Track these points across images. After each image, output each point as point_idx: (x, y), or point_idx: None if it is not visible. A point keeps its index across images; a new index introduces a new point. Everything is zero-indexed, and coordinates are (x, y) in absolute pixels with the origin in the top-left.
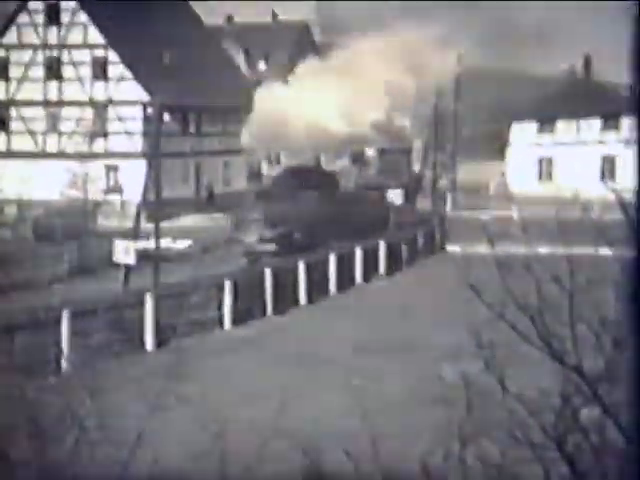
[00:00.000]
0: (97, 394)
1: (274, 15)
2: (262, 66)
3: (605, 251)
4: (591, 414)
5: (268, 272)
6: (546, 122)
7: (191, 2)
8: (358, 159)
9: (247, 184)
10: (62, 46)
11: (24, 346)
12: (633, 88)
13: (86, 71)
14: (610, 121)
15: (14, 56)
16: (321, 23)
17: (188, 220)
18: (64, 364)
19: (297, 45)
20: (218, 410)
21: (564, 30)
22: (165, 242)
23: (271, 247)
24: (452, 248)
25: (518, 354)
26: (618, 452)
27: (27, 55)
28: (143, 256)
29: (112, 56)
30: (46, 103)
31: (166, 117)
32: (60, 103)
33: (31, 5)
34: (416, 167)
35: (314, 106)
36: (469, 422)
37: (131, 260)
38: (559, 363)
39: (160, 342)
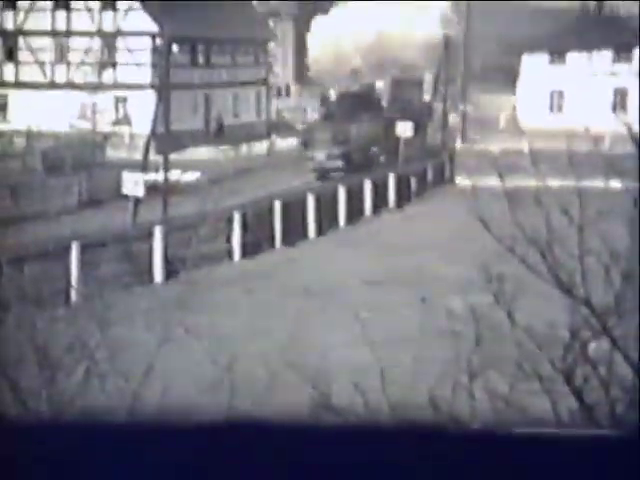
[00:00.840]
0: (106, 326)
1: None
2: None
3: (616, 184)
4: (600, 347)
5: (277, 204)
6: (557, 54)
7: None
8: (368, 90)
9: (256, 116)
10: None
11: (34, 277)
12: None
13: (95, 1)
14: (622, 53)
15: None
16: None
17: (197, 152)
18: (73, 295)
19: None
20: (227, 342)
21: None
22: (174, 174)
23: (339, 163)
24: (462, 181)
25: (528, 287)
26: (626, 385)
27: None
28: (152, 188)
29: None
30: (54, 33)
31: (175, 48)
32: (68, 33)
33: None
34: (427, 99)
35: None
36: (478, 355)
37: (140, 192)
38: (568, 296)
39: (169, 274)
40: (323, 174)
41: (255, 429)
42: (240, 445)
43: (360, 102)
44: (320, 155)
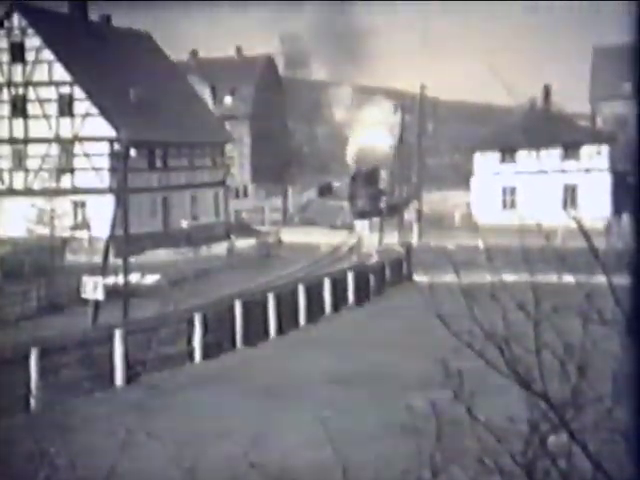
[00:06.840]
0: (67, 432)
1: (238, 50)
2: (228, 100)
3: (568, 278)
4: (559, 440)
5: (238, 304)
6: (508, 152)
7: (156, 37)
8: (325, 190)
9: (215, 217)
10: (27, 84)
11: None
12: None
13: (52, 108)
14: (570, 150)
15: None
16: (284, 56)
17: (156, 254)
18: (33, 402)
19: (262, 79)
20: (189, 445)
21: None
22: (134, 277)
23: (374, 210)
24: (419, 278)
25: (486, 383)
26: (586, 477)
27: None
28: (112, 292)
29: (78, 93)
30: (12, 140)
31: (133, 152)
32: (26, 140)
33: None
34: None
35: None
36: (439, 451)
37: (100, 296)
38: (526, 390)
39: (130, 378)
40: (363, 214)
41: None
42: None
43: (369, 176)
44: (360, 203)
